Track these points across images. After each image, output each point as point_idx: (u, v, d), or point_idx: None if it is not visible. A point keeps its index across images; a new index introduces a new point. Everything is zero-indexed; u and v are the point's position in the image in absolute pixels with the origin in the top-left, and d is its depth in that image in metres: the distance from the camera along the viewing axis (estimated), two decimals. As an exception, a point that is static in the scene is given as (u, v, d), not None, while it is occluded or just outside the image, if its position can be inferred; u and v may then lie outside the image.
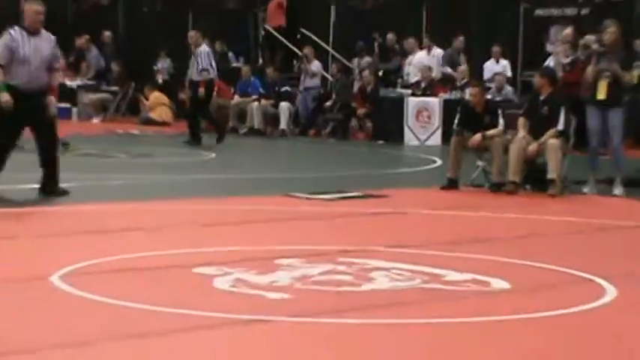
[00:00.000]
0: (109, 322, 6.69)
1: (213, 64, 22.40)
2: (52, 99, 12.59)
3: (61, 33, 29.96)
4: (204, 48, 22.58)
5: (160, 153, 19.84)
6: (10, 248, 9.27)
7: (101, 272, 8.13)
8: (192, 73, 22.07)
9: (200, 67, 22.00)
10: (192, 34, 22.97)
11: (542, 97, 14.35)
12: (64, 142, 19.42)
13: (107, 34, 29.77)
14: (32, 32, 12.51)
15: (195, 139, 21.49)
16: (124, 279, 7.96)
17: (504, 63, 23.68)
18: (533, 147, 13.84)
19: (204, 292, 7.52)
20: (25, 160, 13.05)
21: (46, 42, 12.65)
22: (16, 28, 12.54)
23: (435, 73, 23.96)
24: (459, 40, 23.86)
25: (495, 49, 23.77)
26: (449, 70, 23.68)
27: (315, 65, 25.77)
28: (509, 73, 23.41)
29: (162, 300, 7.12)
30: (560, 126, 13.89)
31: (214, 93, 25.08)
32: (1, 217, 11.13)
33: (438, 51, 24.39)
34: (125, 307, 6.98)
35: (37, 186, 12.49)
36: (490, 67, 23.66)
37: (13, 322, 6.67)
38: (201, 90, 21.55)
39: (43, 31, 12.63)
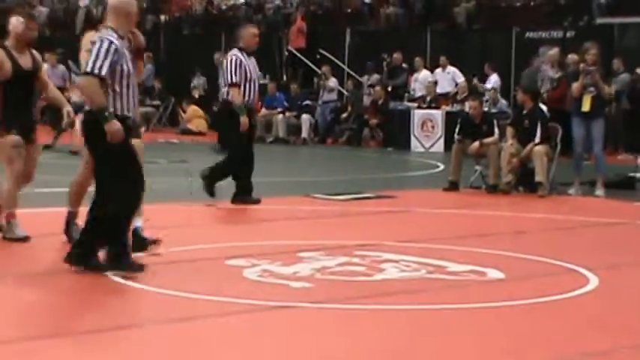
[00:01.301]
0: (154, 308, 6.72)
1: None
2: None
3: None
4: None
5: (196, 159, 19.83)
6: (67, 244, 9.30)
7: (146, 264, 8.14)
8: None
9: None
10: (217, 55, 22.96)
11: (524, 112, 14.36)
12: None
13: (148, 54, 29.79)
14: (249, 53, 12.20)
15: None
16: (166, 270, 7.97)
17: (451, 69, 23.75)
18: (515, 161, 13.91)
19: (236, 282, 7.53)
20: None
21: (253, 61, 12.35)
22: (237, 49, 12.15)
23: (448, 88, 23.88)
24: (538, 60, 23.45)
25: (442, 59, 23.90)
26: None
27: (332, 82, 25.76)
28: (459, 79, 23.46)
29: (199, 289, 7.13)
30: (537, 139, 13.95)
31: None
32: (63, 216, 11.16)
33: (452, 69, 24.21)
34: (167, 294, 7.01)
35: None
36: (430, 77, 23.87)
37: (69, 309, 6.70)
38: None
39: None
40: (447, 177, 14.62)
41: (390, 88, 24.90)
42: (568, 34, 23.32)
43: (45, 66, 26.69)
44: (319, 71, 26.43)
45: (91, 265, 7.60)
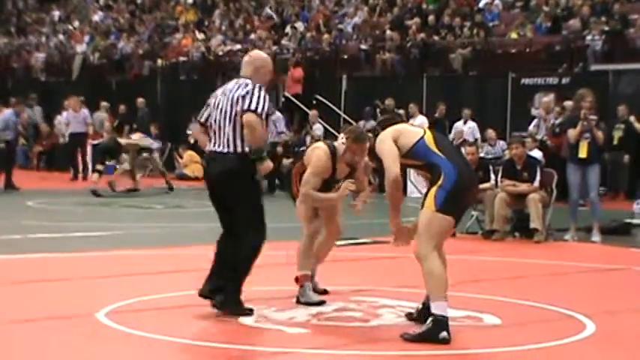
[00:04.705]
0: (146, 355, 6.67)
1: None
2: None
3: (106, 100, 30.27)
4: (279, 114, 23.12)
5: (192, 204, 19.85)
6: (63, 289, 9.27)
7: (139, 310, 8.12)
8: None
9: (278, 130, 22.58)
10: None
11: (519, 166, 14.33)
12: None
13: (141, 100, 29.85)
14: None
15: (271, 190, 22.55)
16: (160, 315, 7.94)
17: (472, 124, 23.70)
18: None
19: (231, 327, 7.49)
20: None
21: None
22: None
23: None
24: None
25: (466, 111, 23.83)
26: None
27: (318, 129, 25.89)
28: (477, 135, 23.31)
29: (194, 335, 7.10)
30: (536, 183, 14.02)
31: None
32: (58, 262, 11.15)
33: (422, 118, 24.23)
34: (161, 340, 6.97)
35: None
36: (459, 127, 23.71)
37: (64, 354, 6.66)
38: (280, 148, 22.35)
39: None
40: (443, 222, 14.60)
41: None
42: (563, 81, 23.45)
43: (64, 114, 26.70)
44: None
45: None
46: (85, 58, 35.52)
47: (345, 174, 8.88)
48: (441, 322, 7.02)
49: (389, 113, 8.80)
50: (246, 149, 7.88)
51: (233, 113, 7.89)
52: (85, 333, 7.25)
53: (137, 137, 23.12)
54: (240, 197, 8.03)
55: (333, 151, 8.80)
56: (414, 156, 7.58)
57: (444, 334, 6.97)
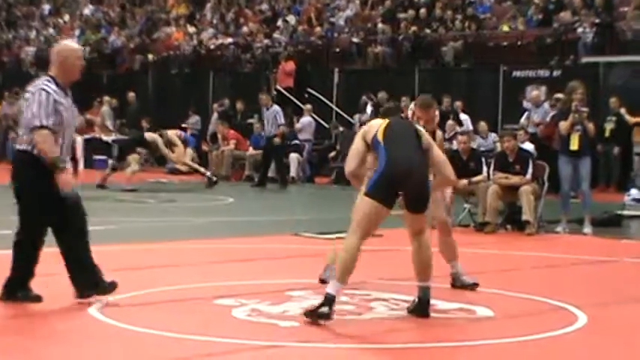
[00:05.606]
0: (140, 349, 6.67)
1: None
2: None
3: (97, 94, 30.22)
4: (277, 107, 23.16)
5: (184, 199, 19.84)
6: (56, 285, 9.25)
7: (132, 305, 8.11)
8: (268, 128, 23.01)
9: (279, 122, 22.62)
10: (263, 97, 23.51)
11: (511, 159, 14.36)
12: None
13: (131, 94, 29.77)
14: None
15: (260, 184, 22.80)
16: (153, 310, 7.94)
17: (464, 117, 23.67)
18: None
19: (224, 321, 7.50)
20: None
21: None
22: None
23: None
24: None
25: (457, 103, 23.84)
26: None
27: (301, 123, 25.95)
28: (470, 127, 23.27)
29: (187, 328, 7.10)
30: (529, 176, 14.05)
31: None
32: (49, 257, 11.13)
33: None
34: (154, 334, 6.97)
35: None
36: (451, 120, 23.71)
37: (56, 349, 6.66)
38: (278, 140, 22.63)
39: None
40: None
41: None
42: (555, 73, 23.49)
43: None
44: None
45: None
46: (76, 52, 35.44)
47: None
48: (328, 300, 7.35)
49: (391, 105, 8.76)
50: (26, 147, 7.86)
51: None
52: (78, 328, 7.25)
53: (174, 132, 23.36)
54: (20, 191, 8.10)
55: None
56: (374, 150, 7.81)
57: (324, 309, 7.30)
